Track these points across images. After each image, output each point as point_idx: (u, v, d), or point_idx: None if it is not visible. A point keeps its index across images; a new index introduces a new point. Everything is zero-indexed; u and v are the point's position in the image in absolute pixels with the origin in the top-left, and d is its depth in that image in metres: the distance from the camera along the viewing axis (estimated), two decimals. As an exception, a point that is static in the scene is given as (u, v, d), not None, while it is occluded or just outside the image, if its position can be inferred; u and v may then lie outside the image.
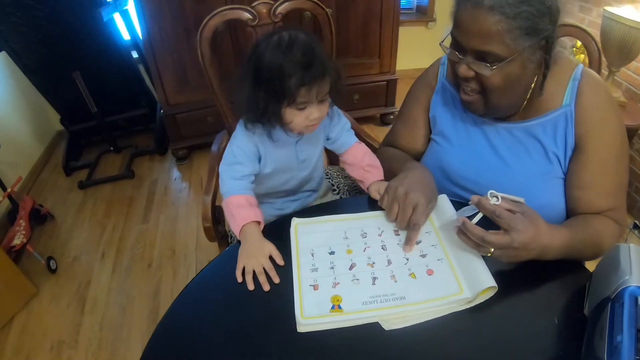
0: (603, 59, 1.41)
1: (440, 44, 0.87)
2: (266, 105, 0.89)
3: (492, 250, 0.74)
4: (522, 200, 0.77)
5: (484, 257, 0.79)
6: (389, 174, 1.01)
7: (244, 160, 0.98)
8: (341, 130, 1.11)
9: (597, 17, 2.14)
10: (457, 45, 0.81)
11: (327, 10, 1.37)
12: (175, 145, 2.60)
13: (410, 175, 0.92)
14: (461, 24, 0.78)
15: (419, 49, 3.62)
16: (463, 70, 0.81)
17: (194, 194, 2.42)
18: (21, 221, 1.97)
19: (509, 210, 0.74)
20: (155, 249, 2.06)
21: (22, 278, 1.76)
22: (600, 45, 1.14)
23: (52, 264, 1.90)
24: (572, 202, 0.90)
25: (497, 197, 0.75)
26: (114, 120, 2.65)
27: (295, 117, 0.90)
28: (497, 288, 0.74)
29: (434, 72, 1.06)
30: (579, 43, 2.02)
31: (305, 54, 0.84)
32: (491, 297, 0.75)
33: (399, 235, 0.89)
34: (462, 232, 0.77)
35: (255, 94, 0.89)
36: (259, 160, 1.02)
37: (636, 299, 0.62)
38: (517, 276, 0.80)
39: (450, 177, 1.00)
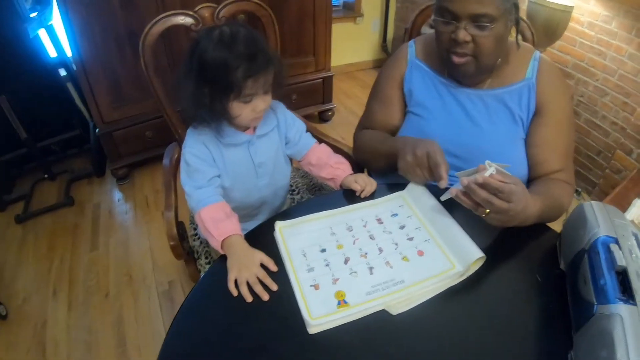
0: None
1: (433, 19, 0.97)
2: (212, 102, 0.90)
3: (488, 211, 0.79)
4: (508, 165, 0.83)
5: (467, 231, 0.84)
6: (374, 155, 1.12)
7: (200, 166, 0.97)
8: (298, 132, 1.11)
9: (522, 3, 2.29)
10: (451, 14, 0.91)
11: (270, 11, 1.36)
12: (113, 165, 2.45)
13: (412, 141, 0.98)
14: None
15: (349, 45, 3.69)
16: (462, 34, 0.90)
17: (141, 214, 2.30)
18: (-44, 268, 1.77)
19: (502, 182, 0.78)
20: (109, 276, 1.93)
21: (-31, 331, 1.58)
22: (532, 29, 1.24)
23: (1, 310, 1.72)
24: (531, 159, 1.03)
25: (493, 168, 0.79)
26: (46, 145, 2.43)
27: (243, 110, 0.91)
28: (485, 258, 0.79)
29: (403, 53, 1.14)
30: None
31: (248, 45, 0.86)
32: (480, 268, 0.80)
33: (382, 223, 0.91)
34: (462, 193, 0.82)
35: (200, 90, 0.89)
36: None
37: (608, 246, 0.69)
38: (496, 245, 0.86)
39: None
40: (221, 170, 1.01)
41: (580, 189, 2.26)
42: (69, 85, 2.49)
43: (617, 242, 0.70)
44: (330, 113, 3.04)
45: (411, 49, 1.13)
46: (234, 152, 1.01)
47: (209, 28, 0.91)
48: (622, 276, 0.65)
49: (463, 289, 0.77)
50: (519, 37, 1.02)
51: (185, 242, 1.22)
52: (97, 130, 2.32)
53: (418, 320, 0.71)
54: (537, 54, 1.04)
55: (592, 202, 0.80)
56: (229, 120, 0.95)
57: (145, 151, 2.47)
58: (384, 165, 1.08)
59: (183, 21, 1.24)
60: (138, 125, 2.36)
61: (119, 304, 1.79)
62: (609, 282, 0.64)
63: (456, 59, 0.95)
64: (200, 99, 0.90)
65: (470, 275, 0.79)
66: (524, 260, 0.85)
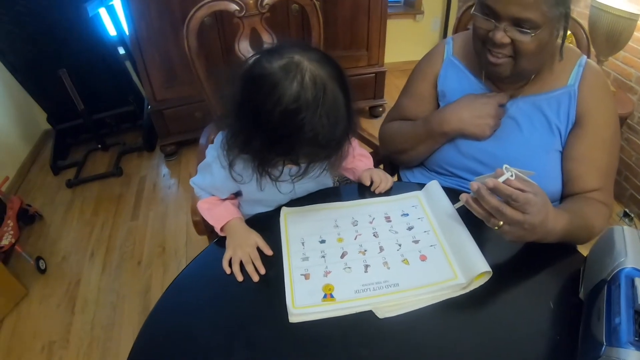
0: (592, 48, 1.40)
1: (472, 13, 0.90)
2: (261, 153, 0.74)
3: (501, 223, 0.72)
4: (532, 173, 0.75)
5: (477, 243, 0.78)
6: (401, 143, 1.10)
7: (220, 184, 0.89)
8: None
9: (585, 8, 2.13)
10: (491, 12, 0.84)
11: (314, 1, 1.35)
12: (163, 141, 2.56)
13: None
14: None
15: (407, 42, 3.61)
16: (500, 36, 0.84)
17: (183, 190, 2.40)
18: (9, 221, 1.93)
19: (521, 190, 0.71)
20: (144, 246, 2.03)
21: (12, 279, 1.72)
22: (588, 34, 1.14)
23: (42, 264, 1.87)
24: (566, 174, 0.94)
25: (511, 172, 0.72)
26: (101, 118, 2.60)
27: (292, 168, 0.79)
28: (492, 273, 0.73)
29: (439, 50, 1.09)
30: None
31: (328, 123, 0.68)
32: (486, 283, 0.74)
33: (390, 221, 0.88)
34: (474, 200, 0.75)
35: (246, 133, 0.73)
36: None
37: (632, 280, 0.61)
38: (512, 262, 0.80)
39: (461, 149, 1.01)
40: (249, 189, 0.90)
41: (632, 215, 2.06)
42: (127, 63, 2.64)
43: (645, 276, 0.61)
44: (380, 109, 2.98)
45: (448, 45, 1.08)
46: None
47: (284, 58, 0.69)
48: (643, 317, 0.57)
49: (463, 303, 0.71)
50: (564, 47, 0.92)
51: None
52: (149, 107, 2.43)
53: (406, 328, 0.68)
54: (584, 59, 0.95)
55: (625, 227, 0.71)
56: (272, 178, 0.80)
57: (193, 131, 2.55)
58: (417, 150, 1.06)
59: (227, 7, 1.26)
60: (188, 105, 2.45)
61: (149, 272, 1.88)
62: (624, 322, 0.57)
63: (492, 59, 0.89)
64: (243, 141, 0.75)
65: (475, 290, 0.73)
66: (540, 283, 0.77)
